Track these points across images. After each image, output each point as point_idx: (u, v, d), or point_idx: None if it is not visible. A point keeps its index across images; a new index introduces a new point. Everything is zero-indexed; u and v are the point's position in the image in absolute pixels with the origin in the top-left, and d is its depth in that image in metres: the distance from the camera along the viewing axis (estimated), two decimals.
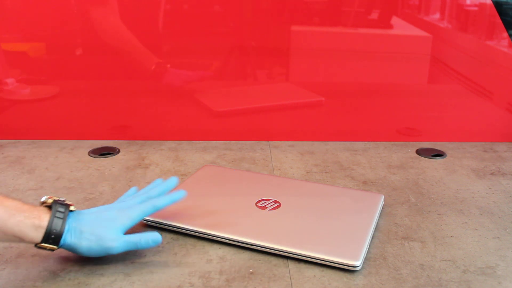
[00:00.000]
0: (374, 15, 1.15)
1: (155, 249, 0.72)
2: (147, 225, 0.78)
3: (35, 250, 0.71)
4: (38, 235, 0.62)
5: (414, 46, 1.19)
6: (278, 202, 0.81)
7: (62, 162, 1.03)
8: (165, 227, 0.76)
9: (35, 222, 0.62)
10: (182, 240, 0.75)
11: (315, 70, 1.18)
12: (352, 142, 1.17)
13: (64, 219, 0.64)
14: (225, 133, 1.17)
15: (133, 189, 0.79)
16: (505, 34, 1.13)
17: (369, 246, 0.73)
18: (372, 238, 0.75)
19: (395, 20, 1.15)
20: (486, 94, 1.19)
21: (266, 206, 0.80)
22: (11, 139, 1.15)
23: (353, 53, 1.16)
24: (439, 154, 1.11)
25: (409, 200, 0.89)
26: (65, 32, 1.10)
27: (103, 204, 0.85)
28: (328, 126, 1.22)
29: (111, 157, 1.06)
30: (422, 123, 1.22)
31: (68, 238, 0.65)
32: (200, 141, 1.15)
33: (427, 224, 0.81)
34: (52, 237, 0.63)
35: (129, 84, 1.15)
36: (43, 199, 0.67)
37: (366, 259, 0.70)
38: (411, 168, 1.03)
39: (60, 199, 0.67)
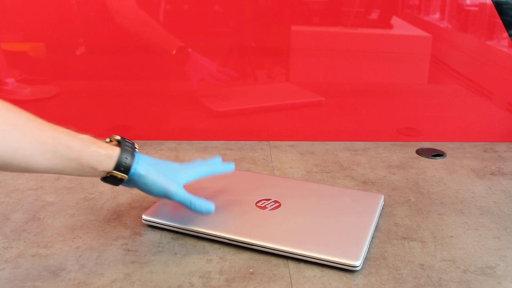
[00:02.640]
0: (374, 15, 1.15)
1: (155, 249, 0.72)
2: (148, 225, 0.78)
3: (35, 250, 0.71)
4: (111, 163, 0.66)
5: (414, 46, 1.19)
6: (278, 202, 0.81)
7: None
8: (165, 227, 0.76)
9: (108, 151, 0.66)
10: (182, 240, 0.75)
11: (315, 70, 1.18)
12: (352, 142, 1.17)
13: (132, 151, 0.69)
14: (225, 133, 1.17)
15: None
16: (505, 34, 1.13)
17: (369, 246, 0.73)
18: (372, 238, 0.75)
19: (395, 20, 1.15)
20: (486, 94, 1.19)
21: (266, 206, 0.80)
22: None
23: (353, 53, 1.16)
24: (439, 154, 1.11)
25: (409, 200, 0.89)
26: (65, 31, 1.10)
27: (103, 204, 0.85)
28: (328, 126, 1.22)
29: None
30: (422, 123, 1.22)
31: (138, 168, 0.68)
32: (200, 141, 1.15)
33: (427, 224, 0.81)
34: (124, 164, 0.67)
35: (129, 84, 1.15)
36: (107, 139, 0.70)
37: (366, 259, 0.70)
38: (411, 168, 1.03)
39: (124, 138, 0.71)
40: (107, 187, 0.91)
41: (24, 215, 0.81)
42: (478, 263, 0.71)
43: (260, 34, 1.14)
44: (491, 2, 1.12)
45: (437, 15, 1.16)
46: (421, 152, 1.12)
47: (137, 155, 0.69)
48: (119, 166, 0.67)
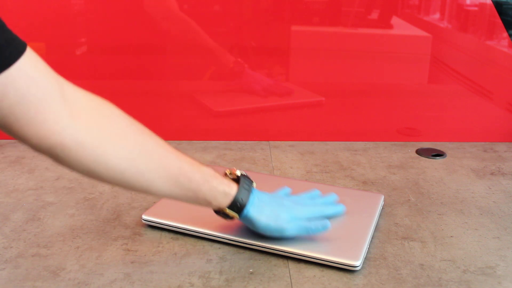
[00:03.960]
0: (374, 15, 1.15)
1: (155, 249, 0.72)
2: (148, 225, 0.78)
3: (35, 250, 0.71)
4: (226, 201, 0.67)
5: (414, 46, 1.19)
6: None
7: None
8: (165, 227, 0.76)
9: (226, 189, 0.66)
10: (182, 240, 0.75)
11: (315, 70, 1.18)
12: (352, 142, 1.17)
13: (249, 191, 0.68)
14: (225, 133, 1.17)
15: (287, 189, 0.81)
16: (505, 34, 1.13)
17: (369, 246, 0.73)
18: (372, 238, 0.75)
19: (395, 20, 1.15)
20: (486, 94, 1.19)
21: None
22: (11, 139, 1.14)
23: (353, 53, 1.16)
24: (439, 154, 1.11)
25: (409, 200, 0.89)
26: (65, 32, 1.10)
27: (103, 204, 0.85)
28: (328, 126, 1.22)
29: None
30: (422, 123, 1.22)
31: (251, 210, 0.68)
32: (200, 141, 1.15)
33: (427, 224, 0.81)
34: (237, 205, 0.67)
35: (129, 84, 1.15)
36: (227, 171, 0.71)
37: (366, 259, 0.70)
38: (411, 168, 1.03)
39: (244, 173, 0.71)
40: (107, 187, 0.91)
41: (24, 215, 0.81)
42: (478, 263, 0.71)
43: (260, 34, 1.14)
44: (491, 2, 1.12)
45: (437, 15, 1.16)
46: (421, 152, 1.12)
47: (252, 196, 0.68)
48: (233, 205, 0.67)
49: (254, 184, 0.71)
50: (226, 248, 0.73)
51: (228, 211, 0.67)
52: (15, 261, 0.69)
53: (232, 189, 0.67)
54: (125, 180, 0.61)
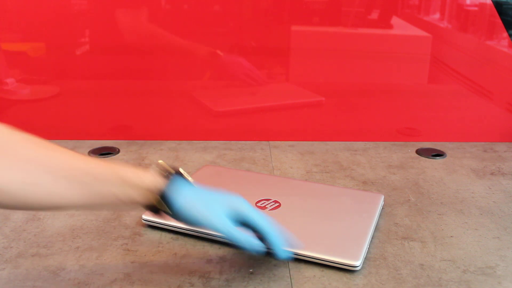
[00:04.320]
0: (374, 15, 1.15)
1: (155, 249, 0.72)
2: (148, 225, 0.78)
3: (35, 250, 0.71)
4: (139, 192, 0.60)
5: (414, 46, 1.19)
6: (278, 202, 0.81)
7: None
8: (165, 227, 0.76)
9: (139, 180, 0.60)
10: (182, 240, 0.75)
11: (315, 70, 1.18)
12: (352, 142, 1.17)
13: (168, 178, 0.62)
14: (225, 133, 1.17)
15: None
16: (505, 34, 1.13)
17: (369, 246, 0.73)
18: (372, 238, 0.75)
19: (395, 20, 1.15)
20: (486, 94, 1.19)
21: (266, 206, 0.80)
22: None
23: (353, 53, 1.16)
24: (439, 154, 1.11)
25: (409, 200, 0.89)
26: (65, 32, 1.10)
27: None
28: (328, 126, 1.22)
29: (111, 157, 1.06)
30: (422, 123, 1.22)
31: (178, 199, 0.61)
32: (200, 141, 1.15)
33: (427, 224, 0.81)
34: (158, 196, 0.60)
35: (129, 84, 1.15)
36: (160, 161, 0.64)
37: (366, 259, 0.70)
38: (411, 168, 1.03)
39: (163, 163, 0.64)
40: None
41: (24, 215, 0.81)
42: (478, 263, 0.71)
43: (260, 34, 1.14)
44: (491, 2, 1.12)
45: (437, 15, 1.16)
46: (421, 152, 1.11)
47: (174, 182, 0.62)
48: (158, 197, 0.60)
49: (190, 178, 0.64)
50: (226, 248, 0.73)
51: (147, 199, 0.60)
52: (15, 261, 0.69)
53: (144, 179, 0.60)
54: (29, 202, 0.57)
